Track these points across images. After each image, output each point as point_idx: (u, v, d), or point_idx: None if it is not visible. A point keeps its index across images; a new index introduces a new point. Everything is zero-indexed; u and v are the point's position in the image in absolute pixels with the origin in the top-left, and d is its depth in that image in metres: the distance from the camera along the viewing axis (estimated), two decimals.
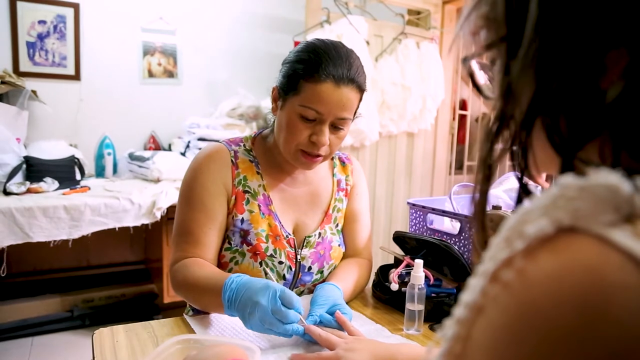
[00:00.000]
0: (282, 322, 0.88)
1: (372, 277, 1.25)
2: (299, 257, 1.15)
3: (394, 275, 1.13)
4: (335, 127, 1.07)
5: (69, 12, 2.85)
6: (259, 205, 1.13)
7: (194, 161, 1.15)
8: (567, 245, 0.28)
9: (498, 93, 0.38)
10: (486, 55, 0.41)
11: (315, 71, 1.02)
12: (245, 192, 1.13)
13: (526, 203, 0.31)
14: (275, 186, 1.17)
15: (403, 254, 1.25)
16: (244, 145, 1.18)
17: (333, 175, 1.26)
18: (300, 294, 1.18)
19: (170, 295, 2.59)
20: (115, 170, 2.97)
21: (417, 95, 3.00)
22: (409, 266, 1.13)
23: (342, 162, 1.28)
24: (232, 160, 1.14)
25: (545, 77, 0.35)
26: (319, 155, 1.09)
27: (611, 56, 0.33)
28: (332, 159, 1.28)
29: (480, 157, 0.39)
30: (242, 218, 1.12)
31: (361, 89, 1.07)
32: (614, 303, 0.24)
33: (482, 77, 0.45)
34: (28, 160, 2.48)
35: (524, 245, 0.29)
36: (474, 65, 0.44)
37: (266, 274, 1.11)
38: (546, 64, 0.34)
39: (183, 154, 2.92)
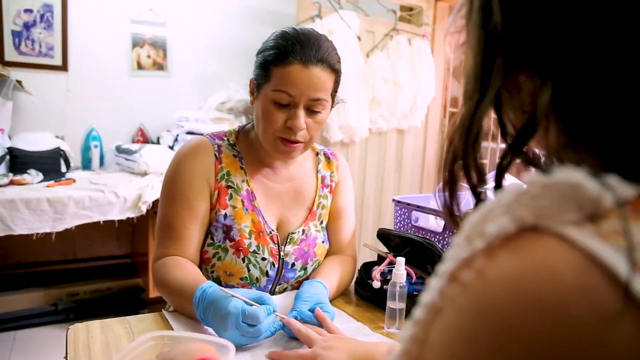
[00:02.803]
0: (256, 335, 0.88)
1: (355, 274, 1.24)
2: (282, 253, 1.13)
3: (376, 272, 1.12)
4: (311, 111, 1.06)
5: (56, 1, 2.80)
6: (243, 201, 1.12)
7: (177, 155, 1.14)
8: (528, 245, 0.27)
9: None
10: None
11: (284, 56, 1.02)
12: (229, 187, 1.12)
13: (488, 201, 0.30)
14: (258, 181, 1.16)
15: (387, 251, 1.24)
16: (228, 140, 1.17)
17: (317, 171, 1.24)
18: (283, 290, 1.17)
19: (156, 290, 2.57)
20: (102, 163, 2.94)
21: (408, 92, 2.99)
22: (392, 264, 1.12)
23: (327, 158, 1.27)
24: (215, 155, 1.13)
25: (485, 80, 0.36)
26: (297, 142, 1.07)
27: (519, 78, 0.34)
28: (317, 154, 1.26)
29: (446, 158, 0.39)
30: (225, 213, 1.10)
31: (333, 69, 1.06)
32: (572, 306, 0.24)
33: None
34: (12, 151, 2.44)
35: (485, 245, 0.28)
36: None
37: (249, 270, 1.09)
38: (485, 65, 0.35)
39: (171, 148, 2.90)
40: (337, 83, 1.09)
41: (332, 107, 1.13)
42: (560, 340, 0.23)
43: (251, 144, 1.17)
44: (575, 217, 0.26)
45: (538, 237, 0.27)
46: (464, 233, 0.29)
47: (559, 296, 0.24)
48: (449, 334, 0.27)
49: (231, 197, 1.11)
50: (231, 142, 1.17)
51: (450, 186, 0.38)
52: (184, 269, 1.04)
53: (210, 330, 0.93)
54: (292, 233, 1.15)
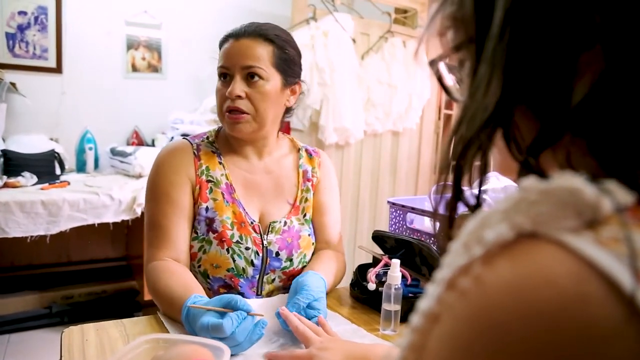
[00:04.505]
0: (234, 345, 0.86)
1: (350, 276, 1.24)
2: (265, 242, 1.14)
3: (371, 274, 1.12)
4: (250, 80, 1.11)
5: (50, 3, 2.80)
6: (223, 194, 1.15)
7: (156, 158, 1.18)
8: (526, 252, 0.26)
9: (467, 95, 0.36)
10: (454, 57, 0.39)
11: (225, 38, 1.13)
12: (209, 181, 1.15)
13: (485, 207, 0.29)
14: (237, 174, 1.18)
15: (382, 253, 1.24)
16: (207, 138, 1.21)
17: (299, 166, 1.25)
18: (272, 281, 1.17)
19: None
20: (96, 166, 2.92)
21: (403, 93, 2.99)
22: (387, 266, 1.12)
23: (309, 155, 1.28)
24: (194, 153, 1.17)
25: (511, 82, 0.32)
26: (239, 111, 1.10)
27: (584, 58, 0.30)
28: (299, 150, 1.27)
29: (441, 160, 0.37)
30: (207, 206, 1.13)
31: (268, 39, 1.11)
32: (570, 314, 0.23)
33: (450, 79, 0.43)
34: (6, 154, 2.43)
35: (483, 252, 0.27)
36: (442, 67, 0.43)
37: (234, 260, 1.11)
38: (513, 67, 0.32)
39: None
40: (280, 58, 1.12)
41: (287, 85, 1.15)
42: (558, 349, 0.23)
43: (228, 139, 1.21)
44: (574, 223, 0.26)
45: (536, 244, 0.26)
46: (461, 239, 0.29)
47: (557, 304, 0.24)
48: (446, 342, 0.27)
49: (211, 190, 1.14)
50: (210, 140, 1.21)
51: (455, 197, 0.37)
52: (173, 274, 1.04)
53: None
54: (274, 222, 1.17)
